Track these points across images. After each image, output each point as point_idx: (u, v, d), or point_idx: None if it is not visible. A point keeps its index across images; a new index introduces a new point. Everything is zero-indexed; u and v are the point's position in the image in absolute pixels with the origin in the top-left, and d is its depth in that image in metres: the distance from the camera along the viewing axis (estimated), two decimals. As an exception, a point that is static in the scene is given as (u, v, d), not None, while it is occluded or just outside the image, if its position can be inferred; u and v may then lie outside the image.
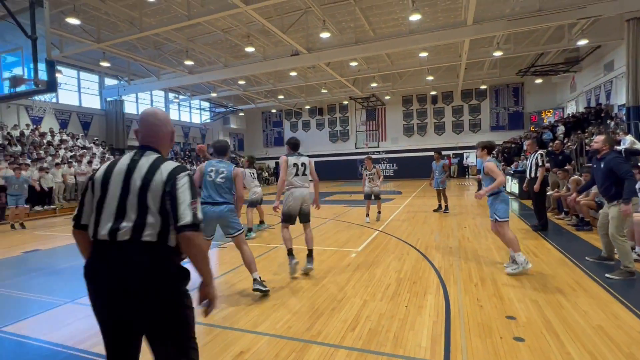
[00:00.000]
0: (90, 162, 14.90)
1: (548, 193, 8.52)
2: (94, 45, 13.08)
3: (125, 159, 1.65)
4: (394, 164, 27.85)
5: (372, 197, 8.68)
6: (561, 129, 15.60)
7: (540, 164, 6.50)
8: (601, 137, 4.33)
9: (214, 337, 2.94)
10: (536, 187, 6.43)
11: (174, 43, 15.45)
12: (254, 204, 7.51)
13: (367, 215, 8.66)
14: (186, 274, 1.60)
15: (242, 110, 29.27)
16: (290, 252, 4.52)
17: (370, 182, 8.67)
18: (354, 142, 29.02)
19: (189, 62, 15.98)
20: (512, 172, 13.20)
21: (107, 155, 16.80)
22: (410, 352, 2.61)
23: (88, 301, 1.58)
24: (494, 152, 21.78)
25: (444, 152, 15.38)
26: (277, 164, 31.18)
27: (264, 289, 3.79)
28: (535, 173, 6.55)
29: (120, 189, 1.57)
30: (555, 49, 16.27)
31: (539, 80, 22.37)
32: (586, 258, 4.74)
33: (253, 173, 7.45)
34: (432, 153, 10.42)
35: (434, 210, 9.77)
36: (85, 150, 16.09)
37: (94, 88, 19.95)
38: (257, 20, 11.82)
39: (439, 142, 26.04)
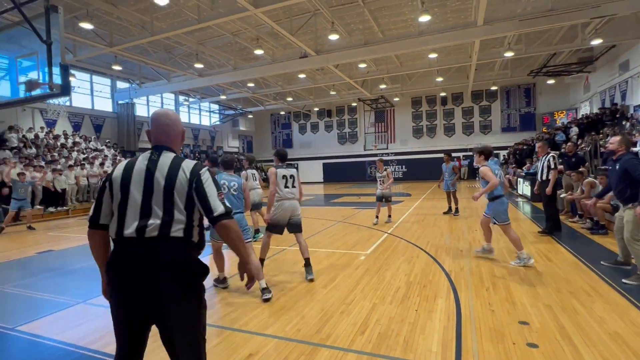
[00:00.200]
0: (102, 164, 15.15)
1: (562, 196, 8.38)
2: (107, 49, 13.33)
3: (143, 159, 1.69)
4: (403, 166, 27.69)
5: (383, 200, 8.65)
6: (574, 130, 15.33)
7: (552, 166, 6.37)
8: (617, 138, 4.24)
9: (223, 339, 2.95)
10: (549, 190, 6.30)
11: (184, 46, 15.66)
12: (259, 206, 7.39)
13: (377, 217, 8.64)
14: (206, 269, 1.68)
15: (251, 113, 29.48)
16: (261, 261, 4.47)
17: (380, 184, 8.66)
18: (362, 144, 28.95)
19: (198, 65, 16.17)
20: (523, 174, 13.01)
21: (118, 157, 17.06)
22: (420, 356, 2.58)
23: (100, 301, 1.61)
24: (507, 154, 21.54)
25: (453, 154, 15.26)
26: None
27: (269, 296, 3.83)
28: (547, 176, 6.43)
29: (142, 187, 1.62)
30: (568, 49, 16.00)
31: (551, 81, 22.02)
32: (602, 262, 4.63)
33: (254, 174, 7.38)
34: (441, 155, 10.34)
35: (444, 213, 9.67)
36: (97, 153, 16.38)
37: (106, 91, 20.32)
38: (266, 23, 11.90)
39: (448, 143, 25.82)
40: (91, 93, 19.39)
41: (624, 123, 12.73)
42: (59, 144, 15.47)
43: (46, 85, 3.81)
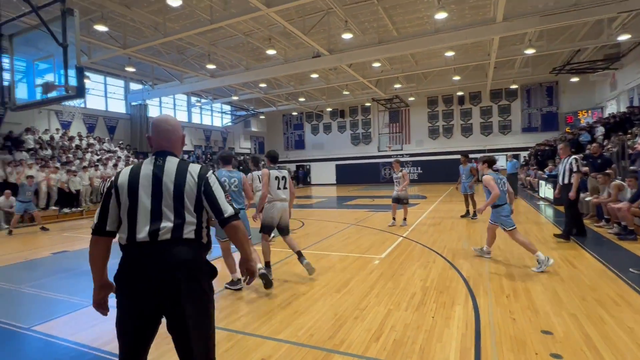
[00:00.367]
0: (115, 165, 15.51)
1: (587, 199, 8.15)
2: (120, 51, 13.66)
3: (148, 165, 1.75)
4: (419, 168, 27.41)
5: (399, 202, 8.60)
6: (600, 130, 14.87)
7: (575, 169, 6.15)
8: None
9: (234, 343, 2.97)
10: (572, 194, 6.08)
11: (196, 47, 15.91)
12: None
13: (393, 218, 8.62)
14: (215, 270, 1.78)
15: (263, 113, 29.70)
16: (267, 264, 4.65)
17: (397, 185, 8.61)
18: (376, 144, 28.81)
19: (211, 66, 16.40)
20: (545, 176, 12.72)
21: (131, 159, 17.44)
22: (437, 365, 2.54)
23: (114, 303, 1.65)
24: (528, 156, 21.07)
25: (471, 155, 15.02)
26: (298, 167, 31.43)
27: (234, 287, 4.26)
28: (569, 179, 6.22)
29: (151, 192, 1.68)
30: (593, 45, 15.55)
31: (575, 79, 21.46)
32: (630, 270, 4.48)
33: (260, 176, 7.48)
34: (458, 156, 10.20)
35: (462, 216, 9.53)
36: (110, 154, 16.78)
37: (120, 93, 20.82)
38: (278, 23, 11.99)
39: (466, 144, 25.44)
40: (105, 95, 19.90)
41: (654, 122, 12.29)
42: (73, 145, 15.91)
43: (62, 88, 3.92)
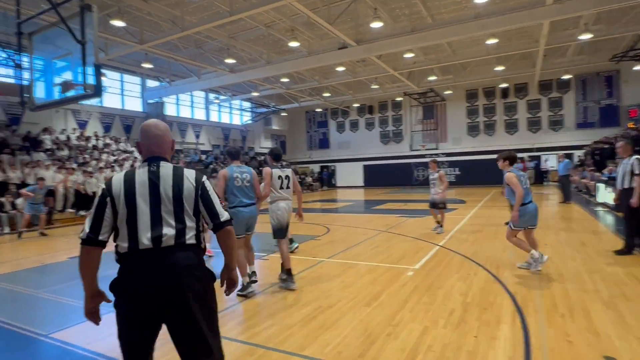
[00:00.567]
0: (132, 166, 16.13)
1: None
2: (137, 46, 14.19)
3: (142, 171, 1.85)
4: (456, 169, 26.82)
5: (436, 206, 8.44)
6: (671, 125, 14.03)
7: (637, 171, 5.76)
8: None
9: (256, 358, 3.00)
10: (635, 201, 5.71)
11: (214, 41, 16.31)
12: None
13: (437, 222, 8.50)
14: (214, 274, 1.92)
15: (285, 110, 30.03)
16: (289, 272, 4.75)
17: (433, 188, 8.46)
18: (408, 143, 28.45)
19: (230, 61, 16.74)
20: (605, 178, 12.12)
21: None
22: (481, 392, 2.46)
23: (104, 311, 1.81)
24: (583, 155, 20.17)
25: (517, 155, 14.52)
26: (322, 167, 31.51)
27: (244, 293, 4.42)
28: (630, 183, 5.85)
29: (149, 199, 1.80)
30: (661, 28, 14.73)
31: (639, 67, 20.37)
32: None
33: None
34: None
35: (506, 224, 9.19)
36: (127, 155, 17.46)
37: (136, 90, 21.67)
38: (301, 12, 12.09)
39: (510, 142, 24.66)
40: (121, 92, 20.77)
41: None
42: (90, 145, 16.68)
43: (80, 86, 4.12)
